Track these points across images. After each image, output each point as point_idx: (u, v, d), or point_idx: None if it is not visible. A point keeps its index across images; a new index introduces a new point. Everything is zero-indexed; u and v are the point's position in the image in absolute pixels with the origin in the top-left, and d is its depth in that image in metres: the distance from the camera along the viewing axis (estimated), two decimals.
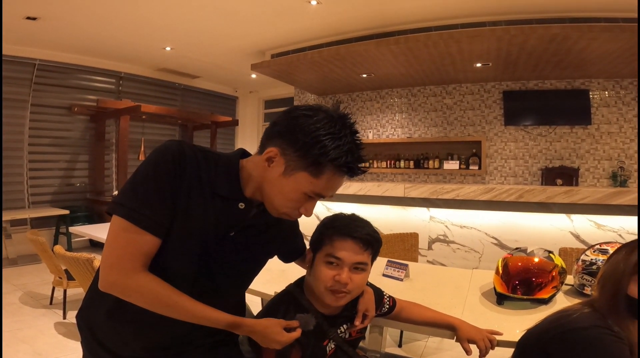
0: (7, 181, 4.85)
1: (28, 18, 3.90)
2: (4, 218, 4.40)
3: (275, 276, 1.58)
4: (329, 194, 0.84)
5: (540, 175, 4.88)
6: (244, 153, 0.92)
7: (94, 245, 5.13)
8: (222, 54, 5.26)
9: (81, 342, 0.94)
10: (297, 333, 0.92)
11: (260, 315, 1.09)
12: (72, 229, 3.50)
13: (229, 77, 6.65)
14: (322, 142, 0.77)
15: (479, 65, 4.42)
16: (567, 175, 4.70)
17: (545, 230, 2.84)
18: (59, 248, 2.36)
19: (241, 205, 0.87)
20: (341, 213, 1.09)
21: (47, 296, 3.27)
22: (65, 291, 2.88)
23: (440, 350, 2.44)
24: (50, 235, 5.02)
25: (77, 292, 3.04)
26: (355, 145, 0.81)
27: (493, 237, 3.00)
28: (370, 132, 5.87)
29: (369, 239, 1.02)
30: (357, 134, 0.83)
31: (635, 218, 2.48)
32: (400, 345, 2.48)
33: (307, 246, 1.17)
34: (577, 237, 2.75)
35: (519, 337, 1.00)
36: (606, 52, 3.75)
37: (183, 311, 0.81)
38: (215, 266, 0.87)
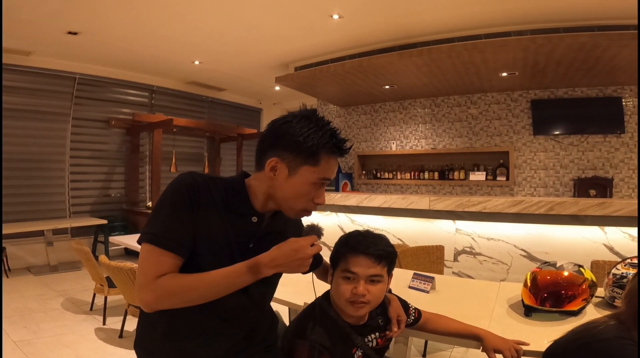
0: (50, 191, 5.15)
1: (69, 33, 4.14)
2: (46, 227, 4.67)
3: (303, 287, 1.64)
4: (331, 177, 0.95)
5: (573, 186, 4.73)
6: (245, 174, 1.02)
7: (129, 253, 5.36)
8: (247, 67, 5.43)
9: None
10: (318, 247, 0.92)
11: (292, 327, 1.16)
12: (111, 239, 3.69)
13: (253, 90, 6.84)
14: (310, 136, 0.90)
15: (504, 74, 4.36)
16: (600, 186, 4.53)
17: (578, 242, 2.77)
18: (103, 258, 2.52)
19: (254, 219, 0.97)
20: (356, 231, 1.16)
21: (87, 302, 3.44)
22: (105, 298, 3.02)
23: None
24: (89, 243, 5.27)
25: (117, 298, 3.19)
26: (333, 130, 0.94)
27: (522, 249, 2.95)
28: (393, 143, 5.86)
29: (381, 253, 1.08)
30: (330, 123, 0.95)
31: None
32: (424, 355, 2.47)
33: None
34: (611, 249, 2.67)
35: (546, 347, 1.01)
36: (637, 59, 3.65)
37: (207, 283, 0.86)
38: None
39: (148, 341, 0.99)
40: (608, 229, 2.68)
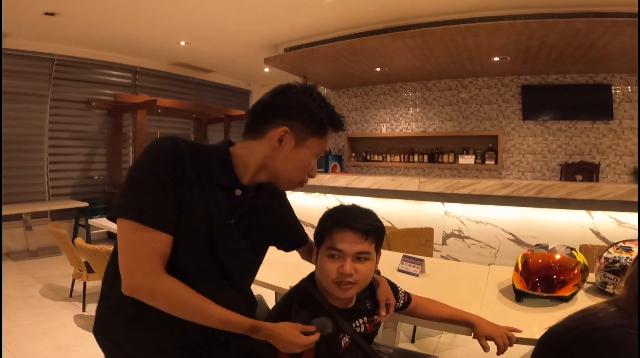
0: (28, 174, 4.97)
1: (46, 14, 3.95)
2: (25, 211, 4.52)
3: (290, 270, 1.59)
4: (327, 150, 0.98)
5: (560, 171, 4.78)
6: (230, 143, 0.95)
7: (112, 237, 5.23)
8: (235, 48, 5.27)
9: None
10: (315, 337, 0.94)
11: (275, 311, 1.09)
12: (91, 221, 3.57)
13: (242, 71, 6.67)
14: (322, 108, 0.90)
15: (496, 59, 4.33)
16: (587, 171, 4.58)
17: (565, 227, 2.78)
18: (79, 241, 2.40)
19: (238, 192, 0.91)
20: (341, 205, 1.09)
21: (67, 288, 3.34)
22: (85, 283, 2.93)
23: (454, 346, 2.42)
24: (70, 227, 5.14)
25: (97, 284, 3.10)
26: (332, 106, 0.95)
27: (510, 233, 2.95)
28: (383, 126, 5.83)
29: (368, 228, 1.01)
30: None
31: None
32: (413, 341, 2.47)
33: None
34: (598, 234, 2.69)
35: (538, 334, 0.98)
36: (630, 47, 3.63)
37: (207, 315, 0.82)
38: (224, 256, 0.88)
39: (110, 326, 0.90)
40: (595, 213, 2.69)
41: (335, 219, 1.04)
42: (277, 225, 1.06)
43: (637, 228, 2.55)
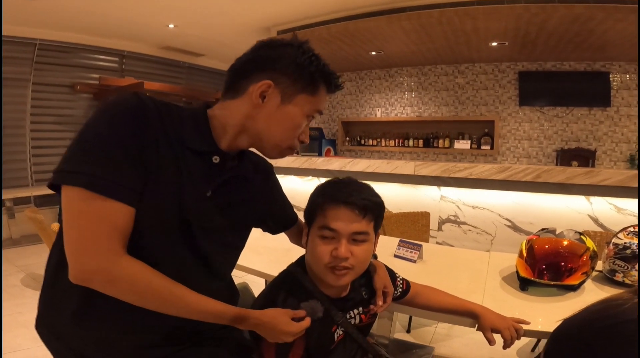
0: (10, 159, 4.79)
1: None
2: (6, 196, 4.35)
3: (280, 256, 1.48)
4: (323, 109, 0.85)
5: (555, 157, 4.74)
6: (208, 105, 0.83)
7: None
8: (226, 31, 5.08)
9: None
10: (306, 323, 0.84)
11: (259, 299, 0.97)
12: None
13: (234, 55, 6.21)
14: (313, 62, 0.79)
15: (494, 44, 4.24)
16: (583, 157, 4.55)
17: (562, 212, 2.72)
18: (55, 226, 2.27)
19: (215, 159, 0.78)
20: (335, 178, 0.96)
21: None
22: None
23: (450, 336, 2.35)
24: (55, 213, 4.98)
25: None
26: (325, 62, 0.83)
27: (507, 219, 2.89)
28: (378, 110, 5.75)
29: (366, 204, 0.88)
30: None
31: None
32: (408, 331, 2.40)
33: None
34: (596, 221, 2.64)
35: (543, 326, 0.90)
36: (630, 35, 3.56)
37: (182, 305, 0.69)
38: (199, 236, 0.75)
39: (54, 320, 0.75)
40: (594, 199, 2.63)
41: (328, 193, 0.91)
42: (261, 201, 0.93)
43: (636, 214, 2.50)
